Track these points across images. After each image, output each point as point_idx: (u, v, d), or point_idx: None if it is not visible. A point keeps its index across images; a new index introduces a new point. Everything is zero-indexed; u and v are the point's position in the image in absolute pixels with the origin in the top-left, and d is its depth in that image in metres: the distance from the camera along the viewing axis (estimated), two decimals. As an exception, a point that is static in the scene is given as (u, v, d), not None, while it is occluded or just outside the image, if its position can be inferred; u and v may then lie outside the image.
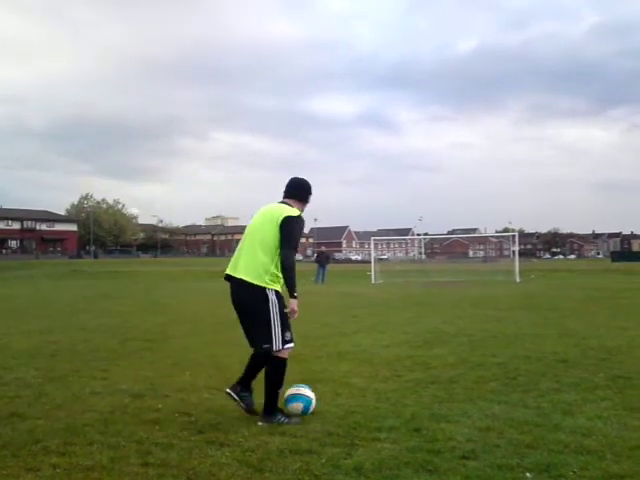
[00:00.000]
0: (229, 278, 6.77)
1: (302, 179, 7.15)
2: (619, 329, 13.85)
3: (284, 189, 7.04)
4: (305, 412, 6.73)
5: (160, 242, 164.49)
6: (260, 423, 6.41)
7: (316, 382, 8.39)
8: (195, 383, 8.43)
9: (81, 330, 14.61)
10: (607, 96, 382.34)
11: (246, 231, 6.90)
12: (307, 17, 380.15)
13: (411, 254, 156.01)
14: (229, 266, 6.81)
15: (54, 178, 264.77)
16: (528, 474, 4.86)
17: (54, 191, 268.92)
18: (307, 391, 6.91)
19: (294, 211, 6.74)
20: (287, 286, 6.54)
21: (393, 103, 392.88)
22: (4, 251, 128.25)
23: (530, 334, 13.15)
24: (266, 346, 6.52)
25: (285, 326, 6.57)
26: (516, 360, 9.98)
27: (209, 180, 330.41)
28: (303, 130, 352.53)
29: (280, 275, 6.55)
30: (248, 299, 6.60)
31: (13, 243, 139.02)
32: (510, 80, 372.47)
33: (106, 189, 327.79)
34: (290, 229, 6.58)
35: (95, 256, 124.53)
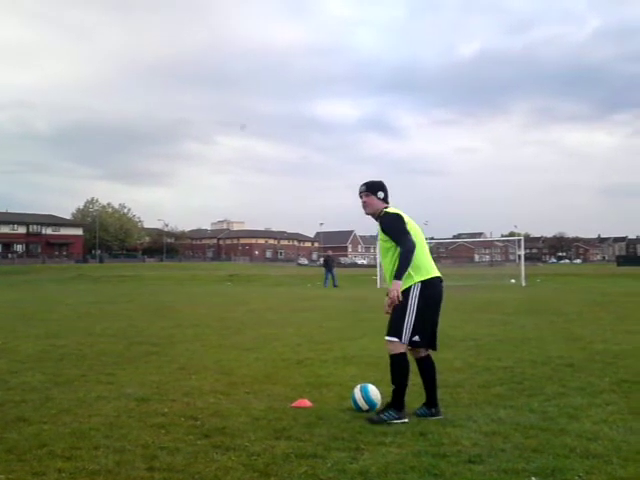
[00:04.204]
0: (440, 280, 6.97)
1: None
2: (625, 333, 13.86)
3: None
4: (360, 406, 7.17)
5: (166, 246, 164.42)
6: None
7: (322, 386, 8.42)
8: (201, 387, 8.43)
9: (87, 334, 14.62)
10: (611, 100, 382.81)
11: (420, 236, 7.02)
12: (310, 22, 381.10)
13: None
14: (434, 268, 6.94)
15: (59, 182, 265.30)
16: (534, 478, 4.85)
17: (59, 195, 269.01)
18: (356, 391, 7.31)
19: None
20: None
21: (397, 107, 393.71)
22: (10, 255, 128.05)
23: (536, 338, 13.16)
24: None
25: None
26: (522, 364, 9.98)
27: (214, 184, 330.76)
28: (308, 134, 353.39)
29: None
30: None
31: (19, 247, 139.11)
32: (514, 84, 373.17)
33: (111, 193, 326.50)
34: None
35: (101, 260, 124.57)
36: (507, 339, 13.07)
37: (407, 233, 6.75)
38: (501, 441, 5.86)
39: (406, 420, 6.57)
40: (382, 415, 6.62)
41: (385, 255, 6.94)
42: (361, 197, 7.16)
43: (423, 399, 6.99)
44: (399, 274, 6.61)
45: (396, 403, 6.70)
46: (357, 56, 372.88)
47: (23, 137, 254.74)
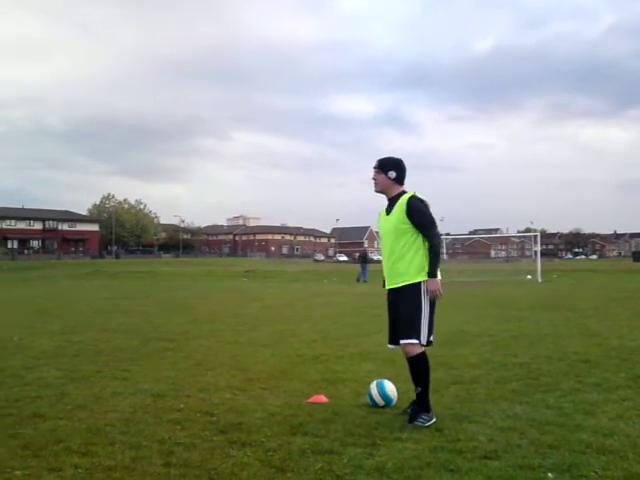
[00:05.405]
0: None
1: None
2: (642, 329, 13.78)
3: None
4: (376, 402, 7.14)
5: (182, 242, 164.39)
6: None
7: (338, 382, 8.41)
8: (217, 383, 8.45)
9: (103, 330, 14.67)
10: (625, 96, 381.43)
11: None
12: (324, 17, 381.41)
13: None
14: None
15: (74, 178, 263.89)
16: (550, 474, 4.84)
17: (74, 191, 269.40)
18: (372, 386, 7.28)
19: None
20: None
21: (411, 103, 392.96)
22: (26, 251, 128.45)
23: (552, 334, 13.12)
24: None
25: None
26: (538, 360, 9.95)
27: (230, 180, 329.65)
28: (322, 130, 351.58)
29: None
30: None
31: (35, 243, 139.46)
32: (528, 80, 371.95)
33: (127, 189, 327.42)
34: None
35: (117, 256, 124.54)
36: (523, 335, 13.03)
37: (436, 224, 6.65)
38: (517, 437, 5.85)
39: (434, 419, 6.41)
40: (416, 422, 6.31)
41: (399, 238, 6.71)
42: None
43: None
44: (434, 271, 6.51)
45: (426, 405, 6.47)
46: (371, 52, 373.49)
47: (37, 133, 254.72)
